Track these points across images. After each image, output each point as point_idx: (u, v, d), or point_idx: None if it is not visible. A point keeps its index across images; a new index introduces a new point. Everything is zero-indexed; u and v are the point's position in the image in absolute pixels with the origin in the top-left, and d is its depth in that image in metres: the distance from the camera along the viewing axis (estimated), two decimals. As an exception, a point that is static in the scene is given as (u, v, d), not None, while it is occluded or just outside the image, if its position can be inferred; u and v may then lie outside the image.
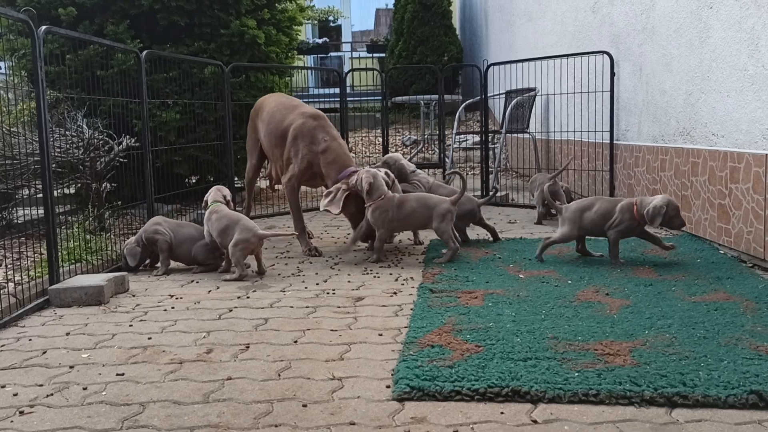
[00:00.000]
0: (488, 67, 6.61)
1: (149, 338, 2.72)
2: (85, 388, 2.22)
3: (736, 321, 2.64)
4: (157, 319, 2.99)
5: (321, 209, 4.15)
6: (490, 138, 7.00)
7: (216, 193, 4.06)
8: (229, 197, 4.09)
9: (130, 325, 2.91)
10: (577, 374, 2.15)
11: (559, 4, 7.00)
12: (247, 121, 5.11)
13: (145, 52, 4.63)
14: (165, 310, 3.14)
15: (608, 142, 5.57)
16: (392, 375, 2.24)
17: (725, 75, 3.85)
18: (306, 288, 3.49)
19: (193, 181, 7.09)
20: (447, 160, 7.41)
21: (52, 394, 2.19)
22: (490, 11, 11.64)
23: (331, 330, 2.77)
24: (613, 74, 5.48)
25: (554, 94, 6.64)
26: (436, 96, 7.73)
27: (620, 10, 5.36)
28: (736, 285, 3.17)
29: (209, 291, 3.48)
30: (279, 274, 3.82)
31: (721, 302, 2.91)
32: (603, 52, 5.53)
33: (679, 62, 4.42)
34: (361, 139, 10.89)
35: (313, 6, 13.41)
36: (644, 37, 4.94)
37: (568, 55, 6.03)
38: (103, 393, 2.18)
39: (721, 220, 3.90)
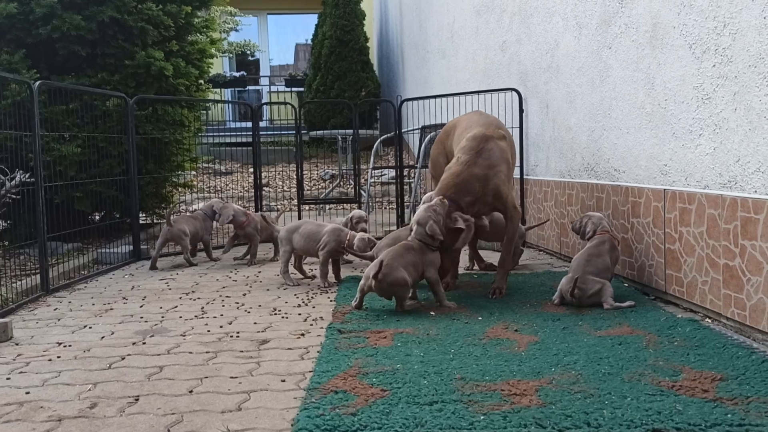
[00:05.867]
0: (402, 102, 6.65)
1: (27, 392, 2.48)
2: (-57, 455, 1.98)
3: (639, 355, 2.66)
4: (39, 371, 2.74)
5: None
6: (406, 173, 7.02)
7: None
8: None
9: (8, 378, 2.65)
10: (483, 417, 2.09)
11: (470, 42, 7.16)
12: (154, 154, 4.88)
13: (37, 83, 4.37)
14: (50, 360, 2.89)
15: (518, 177, 5.67)
16: (292, 426, 2.11)
17: (625, 113, 3.98)
18: (209, 331, 3.30)
19: (97, 218, 6.74)
20: (363, 194, 7.37)
21: None
22: (406, 48, 11.83)
23: (231, 377, 2.60)
24: (521, 111, 5.61)
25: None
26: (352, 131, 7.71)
27: (527, 49, 5.51)
28: (640, 318, 3.22)
29: (102, 337, 3.24)
30: (181, 317, 3.61)
31: (625, 336, 2.94)
32: (512, 89, 5.66)
33: (582, 100, 4.55)
34: (278, 173, 10.73)
35: (226, 39, 13.21)
36: (550, 75, 5.08)
37: (479, 92, 6.15)
38: (-36, 460, 1.95)
39: (625, 253, 3.99)
